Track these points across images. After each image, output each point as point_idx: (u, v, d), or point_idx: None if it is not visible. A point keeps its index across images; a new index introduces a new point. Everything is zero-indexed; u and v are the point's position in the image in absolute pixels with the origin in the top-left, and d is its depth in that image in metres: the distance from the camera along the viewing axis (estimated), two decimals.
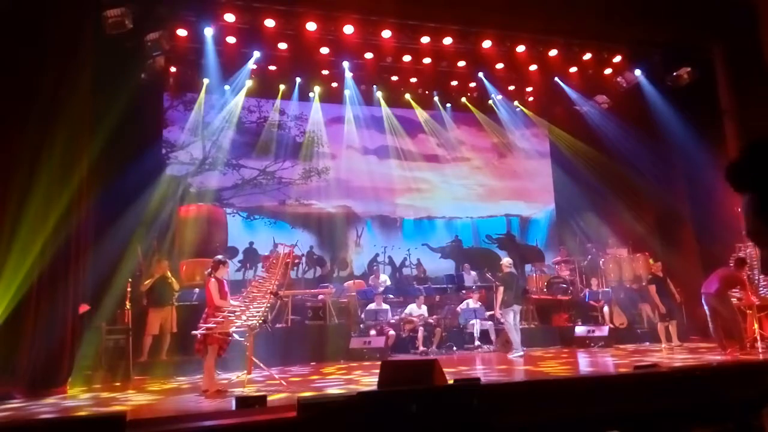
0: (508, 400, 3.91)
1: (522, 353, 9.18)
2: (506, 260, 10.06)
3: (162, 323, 9.11)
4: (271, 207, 13.34)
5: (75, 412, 5.88)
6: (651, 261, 10.82)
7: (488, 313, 11.25)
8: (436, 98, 14.15)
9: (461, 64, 11.84)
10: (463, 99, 14.15)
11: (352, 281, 12.17)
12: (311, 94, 13.45)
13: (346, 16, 9.85)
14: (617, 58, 11.65)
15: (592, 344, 10.44)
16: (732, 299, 8.78)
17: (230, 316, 6.78)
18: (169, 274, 9.41)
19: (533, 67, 11.92)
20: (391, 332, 10.22)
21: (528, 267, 13.65)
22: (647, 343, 9.92)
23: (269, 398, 5.22)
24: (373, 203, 14.09)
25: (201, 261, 10.42)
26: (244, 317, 6.91)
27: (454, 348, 10.75)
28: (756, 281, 9.07)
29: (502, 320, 9.73)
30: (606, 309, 11.33)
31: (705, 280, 8.99)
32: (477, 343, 10.71)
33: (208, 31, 10.14)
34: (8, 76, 7.27)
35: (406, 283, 12.91)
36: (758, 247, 1.29)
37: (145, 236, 10.04)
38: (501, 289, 9.59)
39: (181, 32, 10.06)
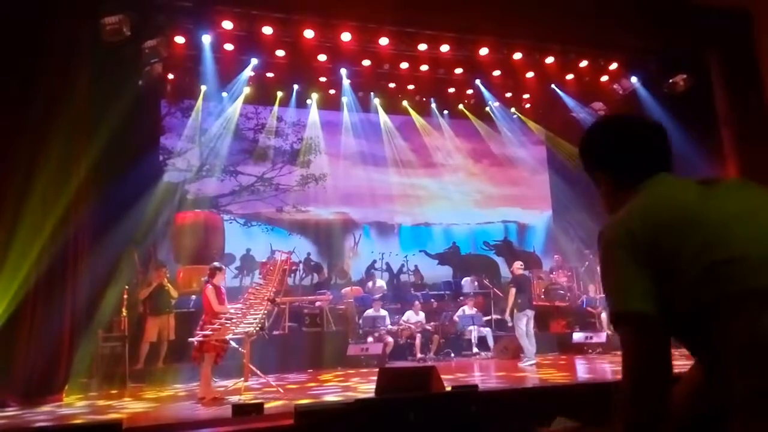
0: (506, 407, 3.90)
1: (534, 361, 9.03)
2: (518, 263, 9.89)
3: (160, 330, 9.08)
4: (269, 214, 13.33)
5: (71, 420, 5.86)
6: None
7: (485, 319, 11.24)
8: (433, 105, 14.18)
9: (458, 71, 11.86)
10: (460, 106, 14.19)
11: (349, 288, 12.16)
12: (309, 101, 13.47)
13: (344, 24, 9.87)
14: (613, 66, 11.69)
15: (590, 351, 10.43)
16: None
17: (227, 323, 6.77)
18: (166, 281, 9.40)
19: (530, 75, 11.96)
20: (389, 339, 10.20)
21: None
22: None
23: (266, 406, 5.22)
24: (371, 210, 14.10)
25: (198, 268, 10.39)
26: (241, 324, 6.89)
27: (452, 355, 10.71)
28: None
29: (511, 324, 9.50)
30: (603, 315, 11.32)
31: None
32: (475, 350, 10.69)
33: (206, 39, 10.15)
34: (5, 82, 7.28)
35: (404, 289, 12.90)
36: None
37: (142, 243, 10.02)
38: (513, 291, 9.36)
39: (179, 39, 10.07)
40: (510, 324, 9.61)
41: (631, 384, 1.26)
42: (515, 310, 9.28)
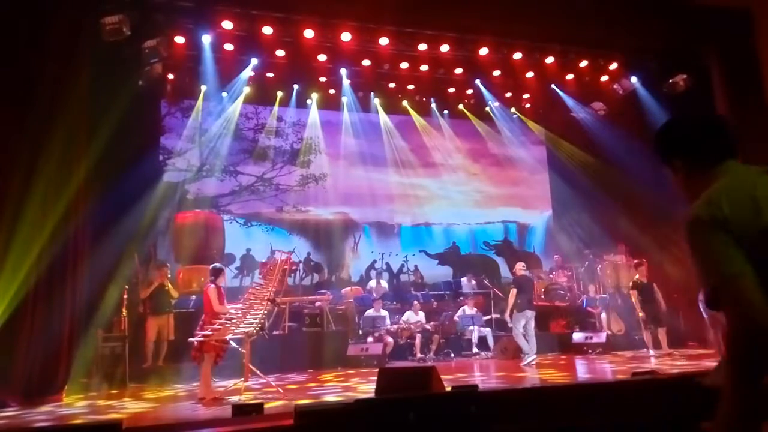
0: (506, 407, 3.90)
1: (534, 358, 9.09)
2: (521, 264, 9.94)
3: (159, 330, 9.09)
4: (269, 214, 13.33)
5: (71, 420, 5.86)
6: (637, 268, 10.49)
7: (485, 319, 11.24)
8: (433, 105, 14.18)
9: (458, 71, 11.86)
10: (460, 106, 14.19)
11: (349, 288, 12.17)
12: (309, 101, 13.47)
13: (344, 24, 9.87)
14: (613, 66, 11.70)
15: (590, 351, 10.42)
16: None
17: (227, 324, 6.77)
18: (167, 281, 9.40)
19: (530, 74, 11.96)
20: (389, 339, 10.20)
21: None
22: (645, 350, 9.90)
23: (266, 406, 5.21)
24: (371, 210, 14.10)
25: (198, 268, 10.39)
26: (241, 324, 6.89)
27: (452, 355, 10.71)
28: None
29: (510, 324, 9.53)
30: (603, 315, 11.33)
31: None
32: (475, 350, 10.69)
33: (206, 39, 10.15)
34: (5, 82, 7.28)
35: (404, 289, 12.89)
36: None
37: (142, 243, 10.02)
38: (514, 291, 9.41)
39: (179, 39, 10.07)
40: (510, 324, 9.62)
41: (746, 324, 1.42)
42: (515, 311, 9.30)
